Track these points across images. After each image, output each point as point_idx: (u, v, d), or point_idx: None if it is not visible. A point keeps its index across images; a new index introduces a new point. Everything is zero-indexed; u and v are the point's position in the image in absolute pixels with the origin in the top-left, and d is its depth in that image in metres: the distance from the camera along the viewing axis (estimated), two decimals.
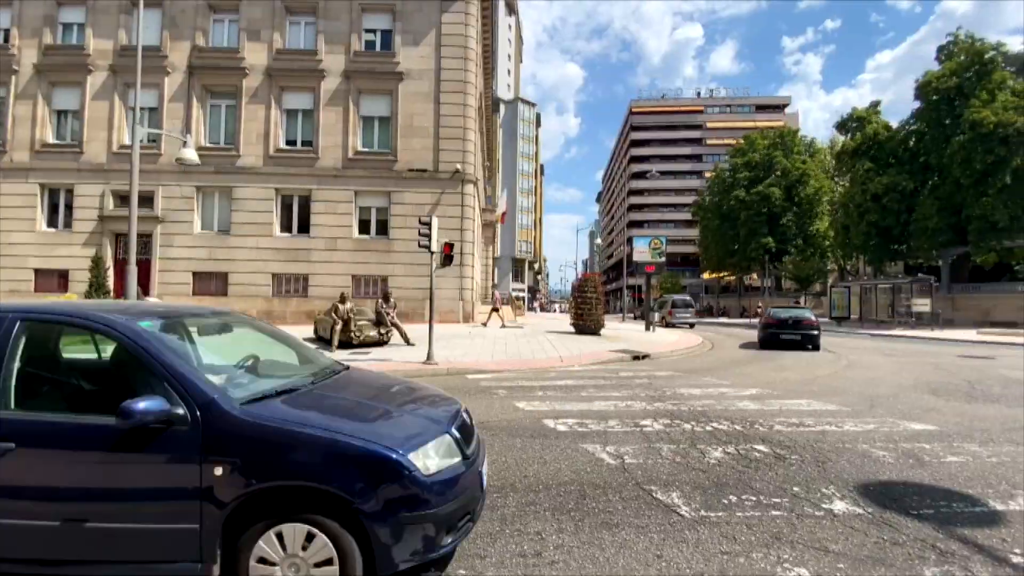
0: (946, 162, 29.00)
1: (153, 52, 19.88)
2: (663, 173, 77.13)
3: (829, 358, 12.78)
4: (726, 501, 3.44)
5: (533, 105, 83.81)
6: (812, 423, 5.72)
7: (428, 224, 9.49)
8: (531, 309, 66.33)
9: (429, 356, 9.66)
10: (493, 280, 51.13)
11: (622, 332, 21.19)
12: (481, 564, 2.60)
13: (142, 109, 13.20)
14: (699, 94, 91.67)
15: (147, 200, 19.59)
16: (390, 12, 21.30)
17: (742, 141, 52.03)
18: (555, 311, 71.28)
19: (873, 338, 20.73)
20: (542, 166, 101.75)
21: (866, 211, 32.80)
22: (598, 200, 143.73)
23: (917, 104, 32.72)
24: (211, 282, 20.61)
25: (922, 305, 25.89)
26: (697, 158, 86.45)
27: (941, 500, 3.55)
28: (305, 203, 21.05)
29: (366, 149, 21.17)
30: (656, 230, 75.05)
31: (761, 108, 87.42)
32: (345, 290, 16.26)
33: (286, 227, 21.12)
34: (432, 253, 9.62)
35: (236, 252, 20.49)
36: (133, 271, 9.62)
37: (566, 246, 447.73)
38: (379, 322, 13.07)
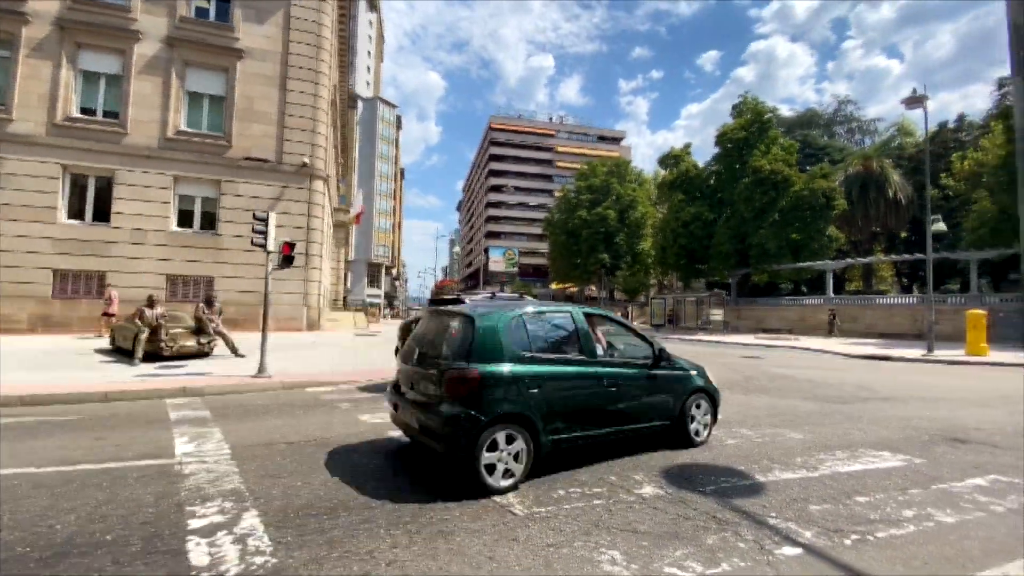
0: (735, 199, 35.75)
1: None
2: (519, 189, 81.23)
3: None
4: (555, 495, 3.69)
5: (394, 107, 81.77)
6: None
7: (264, 220, 8.54)
8: (386, 316, 64.08)
9: (261, 368, 8.66)
10: (346, 284, 48.29)
11: None
12: None
13: None
14: (551, 119, 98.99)
15: None
16: None
17: (586, 166, 57.40)
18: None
19: (682, 342, 24.38)
20: (402, 170, 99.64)
21: (678, 235, 38.75)
22: (459, 209, 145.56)
23: (717, 149, 39.80)
24: None
25: (717, 315, 31.39)
26: (548, 178, 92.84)
27: (722, 477, 4.28)
28: (105, 186, 17.47)
29: (192, 130, 18.41)
30: (511, 242, 78.64)
31: (602, 139, 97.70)
32: (155, 292, 13.89)
33: (76, 213, 17.27)
34: (268, 253, 8.68)
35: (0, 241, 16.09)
36: None
37: (426, 252, 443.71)
38: (199, 330, 11.36)
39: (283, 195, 19.19)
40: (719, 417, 5.71)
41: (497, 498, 3.62)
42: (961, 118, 44.08)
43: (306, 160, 19.46)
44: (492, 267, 26.64)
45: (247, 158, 18.77)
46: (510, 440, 3.85)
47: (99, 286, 17.01)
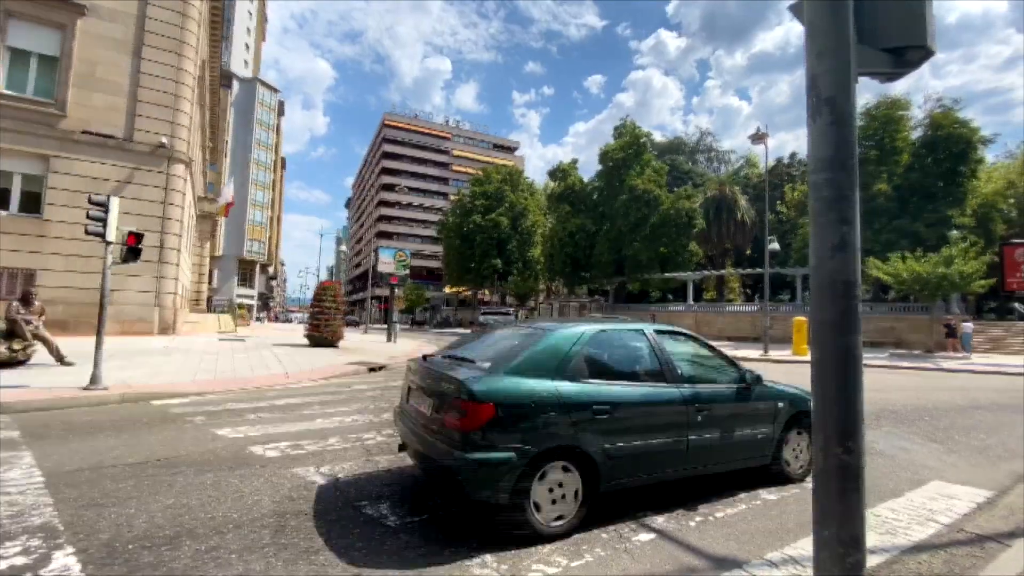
0: (614, 213, 38.76)
1: None
2: (412, 189, 79.60)
3: None
4: (432, 503, 3.65)
5: (276, 91, 75.40)
6: None
7: (103, 204, 7.31)
8: (259, 319, 58.68)
9: (94, 379, 7.38)
10: (211, 283, 43.35)
11: (363, 343, 20.70)
12: None
13: None
14: (447, 122, 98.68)
15: None
16: None
17: (481, 172, 58.18)
18: (293, 321, 64.78)
19: None
20: (283, 159, 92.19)
21: (565, 244, 41.00)
22: (347, 206, 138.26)
23: (599, 167, 42.82)
24: None
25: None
26: (444, 180, 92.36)
27: None
28: None
29: (12, 92, 15.23)
30: (404, 243, 76.67)
31: (497, 147, 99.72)
32: None
33: None
34: (108, 243, 7.44)
35: None
36: None
37: (309, 251, 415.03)
38: (12, 334, 9.36)
39: (133, 178, 16.67)
40: None
41: (370, 511, 3.48)
42: (793, 156, 52.56)
43: (164, 140, 17.12)
44: (382, 268, 25.69)
45: (86, 132, 15.99)
46: None
47: None
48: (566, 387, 3.33)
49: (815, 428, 1.55)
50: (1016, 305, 26.74)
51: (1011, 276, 23.97)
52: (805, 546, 3.15)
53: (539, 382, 3.27)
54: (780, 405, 4.42)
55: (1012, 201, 32.98)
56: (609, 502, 3.75)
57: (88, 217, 7.49)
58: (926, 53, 1.70)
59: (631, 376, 3.80)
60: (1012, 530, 3.51)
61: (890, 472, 4.88)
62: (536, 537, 3.08)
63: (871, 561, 2.97)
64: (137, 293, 16.50)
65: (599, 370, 3.63)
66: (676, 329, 4.52)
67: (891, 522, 3.64)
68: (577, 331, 3.74)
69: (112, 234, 7.41)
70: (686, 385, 3.90)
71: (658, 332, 4.18)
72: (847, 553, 1.47)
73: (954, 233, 26.19)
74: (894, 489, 4.36)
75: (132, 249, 7.74)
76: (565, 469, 3.25)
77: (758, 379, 4.35)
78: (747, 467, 4.25)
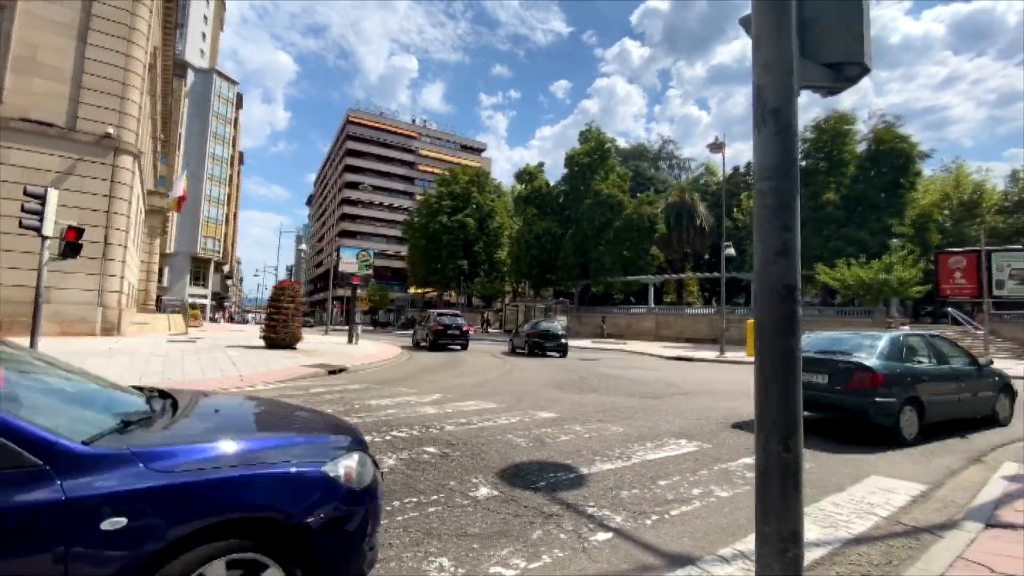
0: (579, 217, 39.30)
1: None
2: (377, 188, 78.11)
3: (497, 363, 15.25)
4: (391, 507, 3.58)
5: (234, 83, 72.57)
6: (476, 421, 6.64)
7: (40, 197, 6.84)
8: (214, 319, 56.36)
9: None
10: (161, 281, 41.33)
11: (322, 345, 20.16)
12: None
13: None
14: (414, 121, 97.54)
15: None
16: None
17: (448, 173, 57.80)
18: (249, 322, 62.50)
19: None
20: (241, 154, 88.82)
21: (531, 247, 41.27)
22: (309, 203, 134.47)
23: (566, 171, 43.34)
24: None
25: (562, 320, 34.02)
26: (410, 180, 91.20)
27: (551, 472, 4.59)
28: None
29: None
30: (368, 242, 75.17)
31: (464, 148, 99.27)
32: None
33: None
34: (44, 238, 6.97)
35: None
36: None
37: (268, 248, 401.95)
38: None
39: (75, 169, 15.69)
40: (559, 415, 6.15)
41: None
42: (749, 165, 54.61)
43: (111, 130, 16.20)
44: (344, 268, 25.10)
45: (24, 119, 14.95)
46: None
47: None
48: (905, 365, 6.51)
49: (757, 427, 1.61)
50: (950, 310, 28.67)
51: (945, 283, 25.66)
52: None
53: (892, 362, 6.37)
54: (996, 379, 7.47)
55: (947, 212, 35.44)
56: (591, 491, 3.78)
57: (23, 210, 6.99)
58: (863, 70, 1.80)
59: (926, 359, 6.89)
60: (944, 522, 3.74)
61: (833, 468, 5.12)
62: (902, 442, 6.11)
63: (815, 553, 3.11)
64: (78, 291, 15.53)
65: (910, 356, 6.75)
66: (937, 333, 7.66)
67: (833, 515, 3.81)
68: (897, 334, 6.99)
69: (49, 228, 6.94)
70: (953, 364, 7.06)
71: (930, 335, 7.40)
72: (787, 548, 1.53)
73: (895, 241, 27.86)
74: (836, 484, 4.58)
75: (72, 244, 7.27)
76: (910, 408, 6.21)
77: (988, 363, 7.60)
78: (978, 416, 7.19)
